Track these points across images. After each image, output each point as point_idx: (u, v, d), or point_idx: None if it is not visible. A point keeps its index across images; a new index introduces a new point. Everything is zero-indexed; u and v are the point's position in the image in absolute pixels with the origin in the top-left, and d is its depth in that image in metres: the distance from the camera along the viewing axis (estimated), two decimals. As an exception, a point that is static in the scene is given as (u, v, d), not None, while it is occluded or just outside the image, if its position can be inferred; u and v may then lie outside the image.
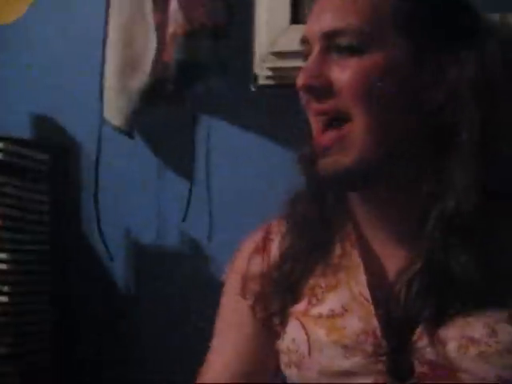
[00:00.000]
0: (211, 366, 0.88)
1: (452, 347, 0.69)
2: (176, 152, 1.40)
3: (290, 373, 0.80)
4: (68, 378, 1.38)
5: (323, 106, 0.75)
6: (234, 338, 0.88)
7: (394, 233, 0.77)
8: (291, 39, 1.08)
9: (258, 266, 0.86)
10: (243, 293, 0.87)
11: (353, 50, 0.73)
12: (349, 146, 0.73)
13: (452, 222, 0.71)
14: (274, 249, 0.86)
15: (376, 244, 0.79)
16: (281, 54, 1.08)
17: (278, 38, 1.08)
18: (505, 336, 0.68)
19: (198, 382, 0.88)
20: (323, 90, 0.74)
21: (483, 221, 0.71)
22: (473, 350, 0.68)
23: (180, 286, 1.36)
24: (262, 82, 1.13)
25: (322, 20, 0.76)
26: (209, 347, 0.89)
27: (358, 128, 0.73)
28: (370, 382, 0.73)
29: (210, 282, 1.29)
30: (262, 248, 0.87)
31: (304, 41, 0.79)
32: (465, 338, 0.69)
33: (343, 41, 0.74)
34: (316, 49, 0.76)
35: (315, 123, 0.77)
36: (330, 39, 0.75)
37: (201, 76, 1.28)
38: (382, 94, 0.73)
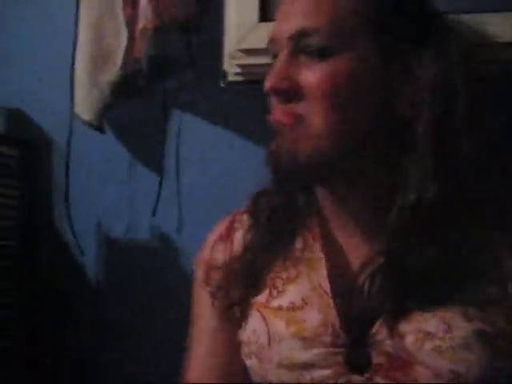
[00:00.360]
0: (191, 360, 0.90)
1: (409, 340, 0.70)
2: (146, 146, 1.40)
3: (251, 363, 0.81)
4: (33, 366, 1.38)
5: (290, 109, 0.75)
6: (203, 330, 0.90)
7: (358, 227, 0.79)
8: (260, 36, 1.09)
9: (220, 254, 0.88)
10: (206, 282, 0.88)
11: (321, 52, 0.74)
12: (309, 134, 0.74)
13: (412, 214, 0.72)
14: (238, 238, 0.87)
15: (340, 237, 0.81)
16: (249, 51, 1.09)
17: (247, 35, 1.09)
18: (459, 331, 0.69)
19: (184, 375, 0.91)
20: (291, 92, 0.75)
21: (443, 214, 0.72)
22: (428, 344, 0.70)
23: (150, 279, 1.36)
24: (231, 78, 1.15)
25: (291, 21, 0.76)
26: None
27: (318, 119, 0.73)
28: (328, 373, 0.74)
29: (180, 274, 1.31)
30: (226, 236, 0.89)
31: (272, 41, 0.79)
32: (421, 332, 0.70)
33: (312, 42, 0.74)
34: (284, 50, 0.76)
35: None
36: (298, 40, 0.75)
37: (171, 71, 1.28)
38: (347, 97, 0.73)
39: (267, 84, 0.76)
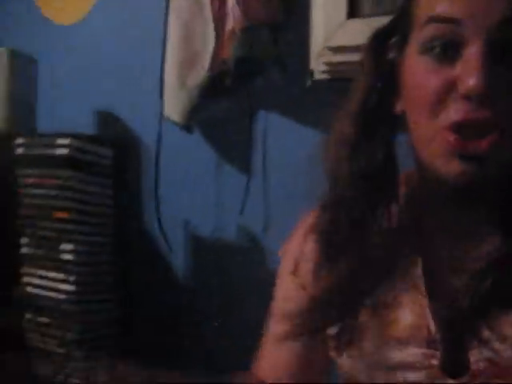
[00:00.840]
0: (268, 350, 0.87)
1: (507, 346, 0.67)
2: (234, 146, 1.42)
3: (341, 361, 0.79)
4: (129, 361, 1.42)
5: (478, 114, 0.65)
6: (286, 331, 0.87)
7: (463, 233, 0.74)
8: (348, 33, 1.08)
9: (311, 246, 0.83)
10: (295, 273, 0.85)
11: None
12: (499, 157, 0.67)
13: None
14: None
15: (438, 240, 0.76)
16: (337, 49, 1.08)
17: (335, 32, 1.08)
18: None
19: (255, 365, 0.88)
20: (492, 103, 0.64)
21: None
22: None
23: (236, 277, 1.38)
24: (317, 76, 1.14)
25: (491, 3, 0.63)
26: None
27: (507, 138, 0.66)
28: (422, 375, 0.71)
29: (266, 273, 1.31)
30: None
31: (447, 22, 0.66)
32: None
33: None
34: (477, 43, 0.64)
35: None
36: (497, 32, 0.64)
37: (258, 71, 1.30)
38: None
39: (473, 86, 0.63)
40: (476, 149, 0.65)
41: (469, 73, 0.63)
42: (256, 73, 1.30)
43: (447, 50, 0.66)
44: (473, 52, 0.63)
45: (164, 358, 1.41)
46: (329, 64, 1.11)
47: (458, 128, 0.65)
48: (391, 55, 0.75)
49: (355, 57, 1.07)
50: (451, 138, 0.66)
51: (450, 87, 0.66)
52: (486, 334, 0.69)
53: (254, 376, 0.88)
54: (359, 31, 1.05)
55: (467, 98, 0.64)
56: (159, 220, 1.41)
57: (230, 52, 1.29)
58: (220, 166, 1.43)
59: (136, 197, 1.51)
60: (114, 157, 1.45)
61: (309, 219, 0.86)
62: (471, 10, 0.64)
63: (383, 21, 0.81)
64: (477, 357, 0.69)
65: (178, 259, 1.45)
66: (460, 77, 0.64)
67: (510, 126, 0.65)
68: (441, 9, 0.66)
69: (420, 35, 0.68)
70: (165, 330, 1.44)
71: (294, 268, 0.85)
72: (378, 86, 0.75)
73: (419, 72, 0.69)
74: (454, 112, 0.65)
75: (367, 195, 0.76)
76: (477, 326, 0.69)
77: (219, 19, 1.30)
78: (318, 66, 1.13)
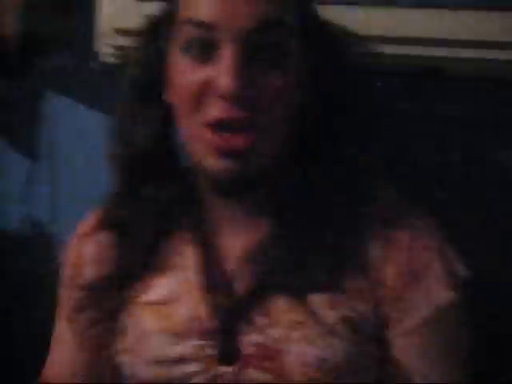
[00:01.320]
0: (54, 358, 0.87)
1: (277, 330, 0.71)
2: (18, 129, 1.34)
3: (122, 360, 0.80)
4: None
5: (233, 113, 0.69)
6: (69, 329, 0.86)
7: (242, 226, 0.78)
8: (135, 16, 1.06)
9: (89, 250, 0.85)
10: (75, 279, 0.85)
11: (279, 55, 0.70)
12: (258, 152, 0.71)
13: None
14: (103, 238, 0.84)
15: (219, 235, 0.80)
16: (123, 32, 1.05)
17: (121, 14, 1.05)
18: (326, 319, 0.71)
19: (42, 375, 0.87)
20: (257, 103, 0.69)
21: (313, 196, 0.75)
22: (296, 333, 0.71)
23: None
24: (103, 59, 1.11)
25: (245, 6, 0.67)
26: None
27: (265, 135, 0.71)
28: (199, 366, 0.73)
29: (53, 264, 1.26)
30: (92, 234, 0.86)
31: (203, 25, 0.69)
32: (290, 321, 0.71)
33: (272, 39, 0.69)
34: (234, 45, 0.67)
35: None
36: (257, 35, 0.68)
37: (43, 51, 1.23)
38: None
39: (226, 87, 0.67)
40: (233, 146, 0.69)
41: (222, 74, 0.67)
42: (41, 52, 1.23)
43: (203, 52, 0.70)
44: (226, 55, 0.68)
45: None
46: (115, 47, 1.08)
47: (216, 126, 0.69)
48: (161, 43, 0.77)
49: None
50: (209, 135, 0.70)
51: (207, 86, 0.69)
52: (258, 319, 0.72)
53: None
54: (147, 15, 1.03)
55: (222, 97, 0.67)
56: None
57: (11, 29, 1.20)
58: (2, 151, 1.34)
59: None
60: None
61: (83, 227, 0.86)
62: (225, 15, 0.68)
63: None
64: (248, 342, 0.72)
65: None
66: (215, 78, 0.68)
67: (266, 124, 0.70)
68: (195, 12, 0.69)
69: (180, 35, 0.72)
70: None
71: (74, 275, 0.86)
72: (147, 74, 0.79)
73: (181, 70, 0.72)
74: (211, 110, 0.69)
75: (149, 177, 0.80)
76: (249, 313, 0.73)
77: (-2, -8, 1.21)
78: (104, 47, 1.09)
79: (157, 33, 0.78)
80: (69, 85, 1.26)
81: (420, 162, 1.00)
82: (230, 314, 0.73)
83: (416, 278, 0.74)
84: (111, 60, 1.09)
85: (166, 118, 0.78)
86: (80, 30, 1.18)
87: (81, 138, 1.28)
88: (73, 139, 1.29)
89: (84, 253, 0.85)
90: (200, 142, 0.71)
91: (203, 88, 0.70)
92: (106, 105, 1.24)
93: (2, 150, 1.33)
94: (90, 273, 0.84)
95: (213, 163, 0.71)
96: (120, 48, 1.06)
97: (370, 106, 0.82)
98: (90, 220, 0.88)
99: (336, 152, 0.76)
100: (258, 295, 0.73)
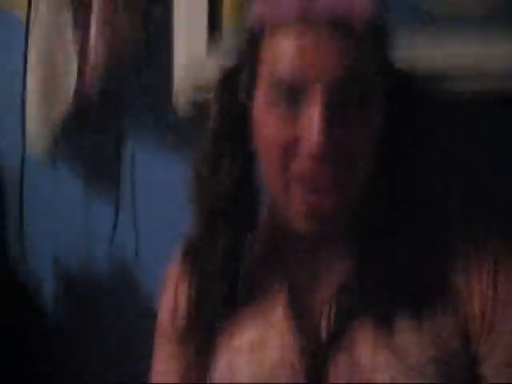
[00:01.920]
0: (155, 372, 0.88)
1: (365, 371, 0.71)
2: (102, 177, 1.41)
3: None
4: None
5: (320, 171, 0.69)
6: (174, 368, 0.87)
7: (324, 267, 0.79)
8: (208, 72, 1.12)
9: (183, 296, 0.86)
10: (172, 324, 0.87)
11: (362, 104, 0.69)
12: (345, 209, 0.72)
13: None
14: (189, 282, 0.85)
15: (300, 275, 0.80)
16: (199, 87, 1.11)
17: (195, 71, 1.11)
18: (414, 359, 0.70)
19: None
20: (342, 160, 0.69)
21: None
22: (384, 375, 0.71)
23: (109, 313, 1.37)
24: (181, 113, 1.16)
25: (324, 61, 0.67)
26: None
27: (351, 190, 0.72)
28: None
29: (140, 306, 1.32)
30: (183, 278, 0.87)
31: (288, 83, 0.69)
32: (377, 362, 0.71)
33: (355, 90, 0.68)
34: (317, 100, 0.67)
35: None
36: (339, 89, 0.67)
37: (124, 105, 1.30)
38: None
39: (314, 145, 0.66)
40: (321, 209, 0.70)
41: (309, 133, 0.67)
42: (121, 107, 1.30)
43: (291, 109, 0.69)
44: (313, 113, 0.67)
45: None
46: (192, 102, 1.14)
47: (303, 184, 0.70)
48: (240, 95, 0.77)
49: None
50: (296, 195, 0.71)
51: (295, 143, 0.69)
52: (344, 361, 0.73)
53: None
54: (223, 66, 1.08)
55: (310, 155, 0.67)
56: (25, 260, 1.38)
57: (93, 85, 1.28)
58: (88, 198, 1.42)
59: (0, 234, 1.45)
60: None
61: (175, 265, 0.89)
62: (311, 70, 0.67)
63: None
64: (337, 380, 0.73)
65: (48, 295, 1.42)
66: (302, 136, 0.68)
67: (351, 179, 0.71)
68: (282, 69, 0.69)
69: (266, 91, 0.72)
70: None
71: (172, 318, 0.87)
72: (228, 121, 0.78)
73: (267, 125, 0.72)
74: (299, 167, 0.70)
75: (229, 223, 0.80)
76: (336, 356, 0.74)
77: (82, 53, 1.29)
78: (181, 102, 1.15)
79: (235, 84, 0.77)
80: (148, 137, 1.33)
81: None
82: (317, 358, 0.74)
83: (505, 308, 0.72)
84: (188, 114, 1.14)
85: (247, 167, 0.79)
86: (158, 87, 1.23)
87: (161, 187, 1.34)
88: (153, 188, 1.35)
89: (179, 297, 0.86)
90: (286, 199, 0.72)
91: (291, 145, 0.69)
92: (184, 156, 1.30)
93: (90, 196, 1.41)
94: (183, 317, 0.85)
95: (300, 224, 0.72)
96: (196, 103, 1.12)
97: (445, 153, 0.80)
98: (179, 264, 0.88)
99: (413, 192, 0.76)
100: (344, 337, 0.73)
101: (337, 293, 0.76)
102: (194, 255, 0.84)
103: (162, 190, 1.35)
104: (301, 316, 0.78)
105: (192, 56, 1.13)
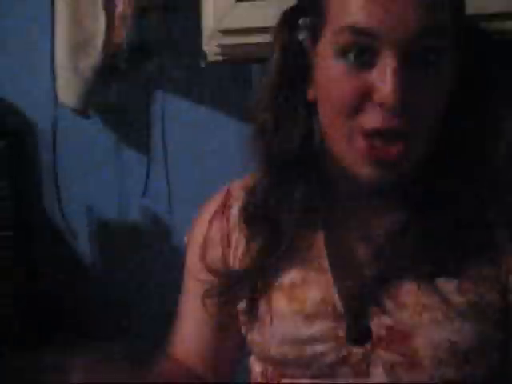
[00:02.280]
0: (183, 333, 0.89)
1: (407, 313, 0.72)
2: (132, 128, 1.42)
3: (252, 338, 0.81)
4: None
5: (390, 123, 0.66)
6: (203, 308, 0.86)
7: (372, 215, 0.78)
8: (237, 17, 1.10)
9: (218, 231, 0.85)
10: (202, 259, 0.85)
11: (434, 61, 0.66)
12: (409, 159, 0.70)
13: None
14: (234, 216, 0.83)
15: (343, 217, 0.79)
16: (227, 32, 1.09)
17: (224, 15, 1.09)
18: (454, 303, 0.71)
19: (170, 349, 0.89)
20: (406, 112, 0.66)
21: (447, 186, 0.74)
22: (426, 316, 0.71)
23: (143, 260, 1.39)
24: (210, 58, 1.15)
25: (408, 11, 0.63)
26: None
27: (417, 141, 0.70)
28: (329, 346, 0.75)
29: (172, 254, 1.34)
30: (221, 213, 0.85)
31: (361, 32, 0.66)
32: (419, 304, 0.72)
33: (435, 44, 0.66)
34: (395, 54, 0.64)
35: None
36: (418, 42, 0.65)
37: (152, 53, 1.30)
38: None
39: (388, 96, 0.64)
40: (387, 156, 0.68)
41: (383, 82, 0.64)
42: (150, 55, 1.30)
43: (362, 57, 0.66)
44: (387, 62, 0.64)
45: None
46: (221, 46, 1.12)
47: (371, 135, 0.68)
48: (301, 36, 0.74)
49: (246, 39, 1.09)
50: (361, 142, 0.68)
51: (364, 93, 0.67)
52: (387, 302, 0.73)
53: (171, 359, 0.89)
54: (249, 14, 1.07)
55: (382, 106, 0.65)
56: (61, 207, 1.40)
57: (122, 35, 1.28)
58: (119, 149, 1.43)
59: (36, 186, 1.47)
60: (7, 147, 1.41)
61: (213, 203, 0.88)
62: (386, 21, 0.64)
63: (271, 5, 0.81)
64: (378, 325, 0.73)
65: (84, 246, 1.44)
66: (374, 85, 0.66)
67: (419, 131, 0.69)
68: (356, 19, 0.66)
69: (334, 40, 0.68)
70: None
71: (202, 253, 0.86)
72: (289, 66, 0.75)
73: (334, 76, 0.69)
74: (369, 119, 0.67)
75: (286, 177, 0.78)
76: (378, 296, 0.74)
77: (109, 2, 1.28)
78: (211, 48, 1.13)
79: (296, 27, 0.75)
80: (177, 84, 1.33)
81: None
82: (359, 298, 0.74)
83: None
84: (218, 59, 1.14)
85: (310, 120, 0.76)
86: (187, 33, 1.23)
87: (192, 134, 1.34)
88: (184, 136, 1.35)
89: (213, 232, 0.85)
90: (350, 148, 0.70)
91: (360, 95, 0.67)
92: (213, 101, 1.30)
93: (120, 148, 1.42)
94: (218, 255, 0.84)
95: (364, 171, 0.70)
96: (226, 47, 1.11)
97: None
98: (218, 199, 0.86)
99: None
100: (387, 279, 0.73)
101: (387, 241, 0.76)
102: (255, 194, 0.81)
103: (193, 138, 1.36)
104: (343, 258, 0.78)
105: (219, 1, 1.12)
